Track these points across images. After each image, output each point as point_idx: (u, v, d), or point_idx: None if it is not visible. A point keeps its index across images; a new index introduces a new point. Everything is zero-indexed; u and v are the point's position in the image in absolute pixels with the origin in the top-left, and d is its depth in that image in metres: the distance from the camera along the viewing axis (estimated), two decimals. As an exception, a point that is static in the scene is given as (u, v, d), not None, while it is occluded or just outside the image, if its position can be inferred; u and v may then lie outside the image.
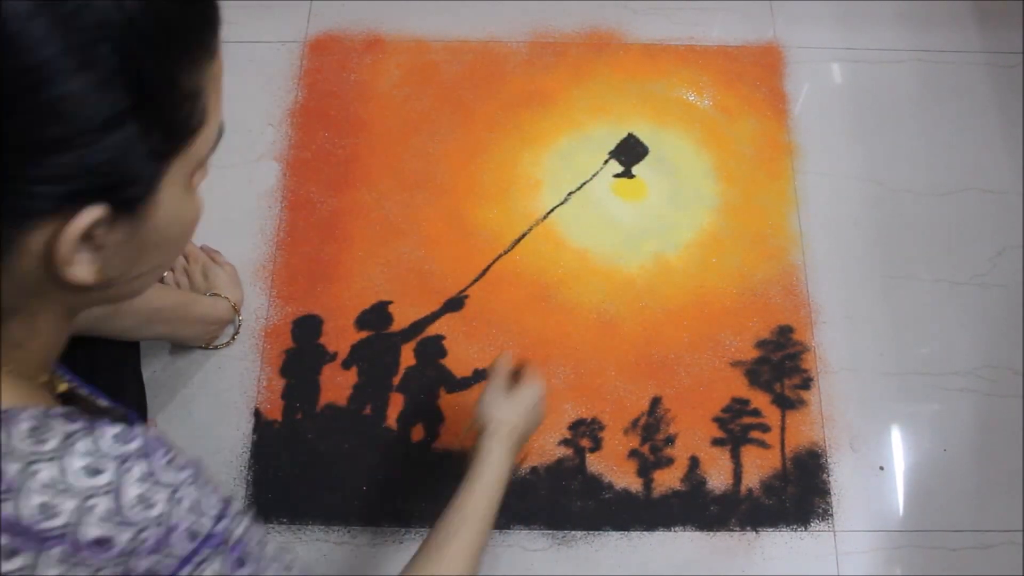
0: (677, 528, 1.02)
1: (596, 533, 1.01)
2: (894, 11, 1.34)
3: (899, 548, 1.02)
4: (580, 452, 1.05)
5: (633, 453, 1.05)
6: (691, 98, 1.26)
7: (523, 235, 1.17)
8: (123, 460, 0.45)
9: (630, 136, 1.23)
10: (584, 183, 1.20)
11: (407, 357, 1.10)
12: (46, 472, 0.43)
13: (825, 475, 1.04)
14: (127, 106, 0.39)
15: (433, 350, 1.10)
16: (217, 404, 1.06)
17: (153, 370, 1.07)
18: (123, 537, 0.44)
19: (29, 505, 0.42)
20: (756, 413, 1.07)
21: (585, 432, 1.06)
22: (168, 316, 0.99)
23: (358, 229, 1.17)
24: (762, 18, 1.33)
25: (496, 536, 1.01)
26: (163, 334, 1.03)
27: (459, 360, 1.09)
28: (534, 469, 1.04)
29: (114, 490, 0.44)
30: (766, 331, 1.12)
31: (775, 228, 1.18)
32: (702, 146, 1.23)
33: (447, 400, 1.07)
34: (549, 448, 1.05)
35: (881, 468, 1.05)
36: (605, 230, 1.17)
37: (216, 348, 1.09)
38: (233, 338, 1.10)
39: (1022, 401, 1.09)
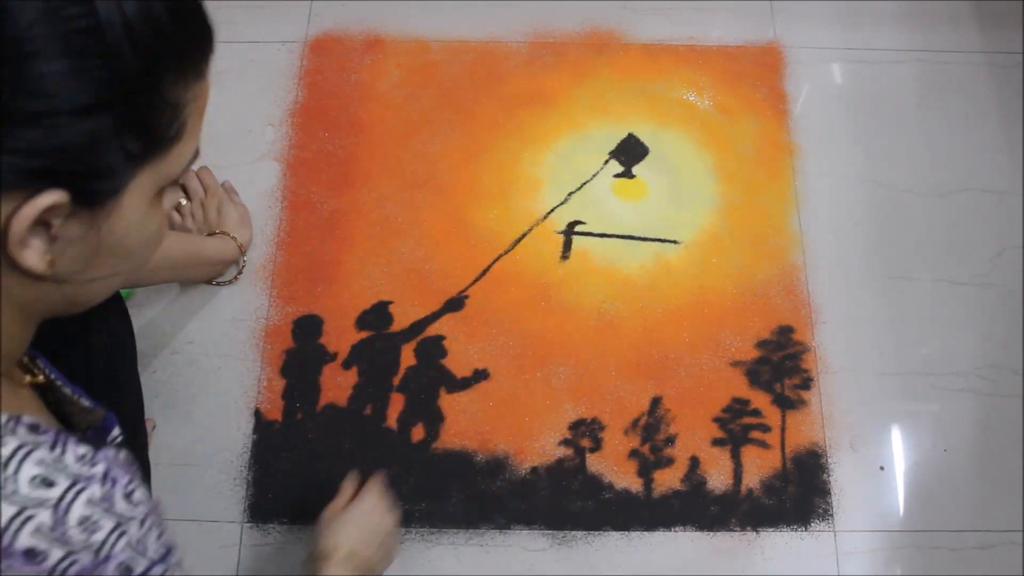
0: (677, 528, 1.02)
1: (596, 533, 1.01)
2: (894, 11, 1.34)
3: (899, 548, 1.02)
4: (580, 452, 1.05)
5: (633, 453, 1.05)
6: (691, 98, 1.26)
7: (523, 235, 1.17)
8: (79, 479, 0.45)
9: (630, 136, 1.23)
10: (584, 183, 1.20)
11: (407, 357, 1.10)
12: None
13: (825, 475, 1.05)
14: (105, 98, 0.41)
15: (433, 350, 1.10)
16: (217, 404, 1.07)
17: (153, 370, 1.07)
18: (56, 554, 0.43)
19: None
20: (756, 413, 1.07)
21: (585, 432, 1.06)
22: (175, 263, 1.03)
23: (358, 229, 1.17)
24: (762, 18, 1.33)
25: (496, 536, 1.01)
26: (168, 279, 1.08)
27: (459, 360, 1.09)
28: (534, 469, 1.04)
29: (60, 506, 0.44)
30: (766, 331, 1.12)
31: (775, 228, 1.18)
32: (702, 146, 1.23)
33: (447, 400, 1.07)
34: (549, 448, 1.05)
35: (881, 468, 1.05)
36: (605, 230, 1.17)
37: (219, 284, 1.12)
38: (236, 277, 1.13)
39: (1022, 401, 1.09)
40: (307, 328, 1.11)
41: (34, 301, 0.48)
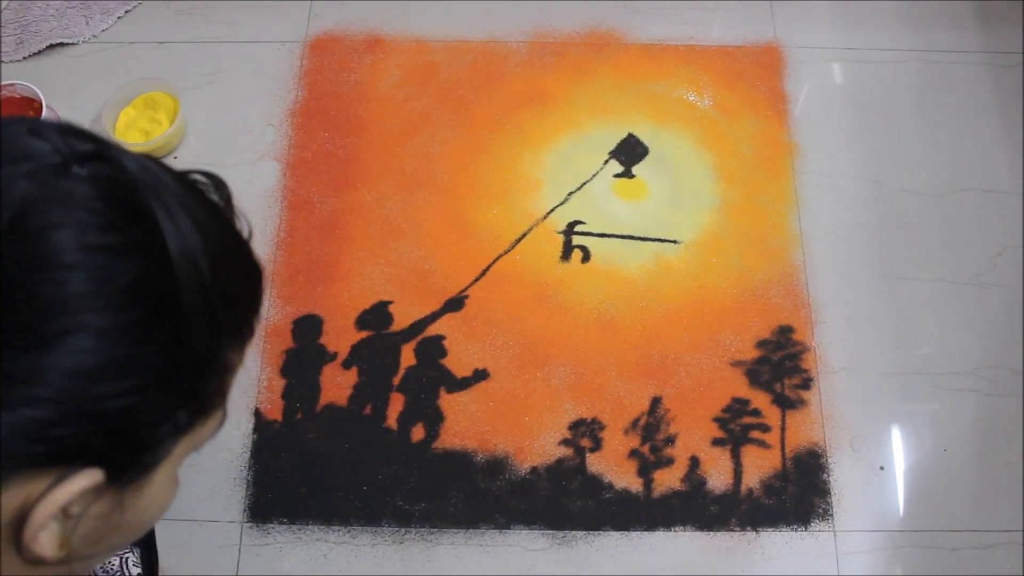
0: (677, 528, 1.02)
1: (596, 533, 1.01)
2: (894, 11, 1.34)
3: (899, 548, 1.02)
4: (580, 452, 1.05)
5: (633, 453, 1.05)
6: (691, 98, 1.26)
7: (523, 235, 1.17)
8: None
9: (630, 136, 1.23)
10: (584, 183, 1.20)
11: (407, 357, 1.10)
12: None
13: (825, 475, 1.04)
14: (170, 372, 0.36)
15: (433, 350, 1.10)
16: (217, 404, 1.07)
17: (153, 370, 1.07)
18: None
19: None
20: (756, 413, 1.07)
21: (585, 432, 1.06)
22: None
23: (358, 229, 1.17)
24: (762, 18, 1.33)
25: (496, 536, 1.01)
26: None
27: (459, 360, 1.09)
28: (534, 469, 1.04)
29: None
30: (766, 331, 1.12)
31: (775, 228, 1.18)
32: (702, 146, 1.23)
33: (447, 400, 1.07)
34: (549, 448, 1.05)
35: (881, 468, 1.05)
36: (605, 230, 1.17)
37: None
38: None
39: (1022, 401, 1.09)
40: (307, 328, 1.11)
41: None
